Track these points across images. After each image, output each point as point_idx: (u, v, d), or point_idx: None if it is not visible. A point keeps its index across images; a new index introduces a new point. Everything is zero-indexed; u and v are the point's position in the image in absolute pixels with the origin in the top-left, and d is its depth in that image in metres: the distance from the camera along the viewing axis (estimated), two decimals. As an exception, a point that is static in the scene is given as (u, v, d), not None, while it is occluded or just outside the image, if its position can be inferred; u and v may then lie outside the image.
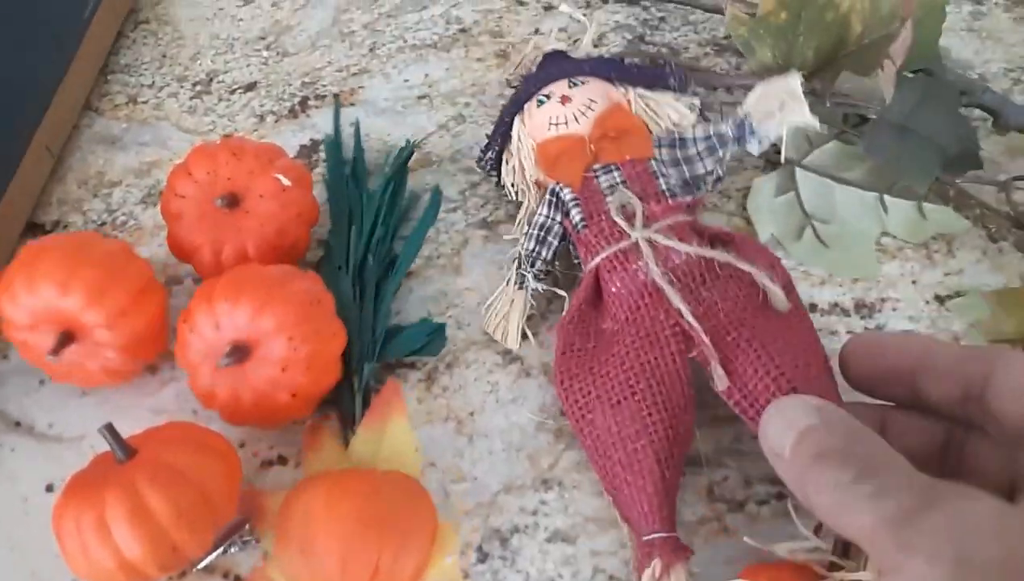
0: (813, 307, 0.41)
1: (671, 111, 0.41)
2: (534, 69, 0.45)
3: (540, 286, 0.39)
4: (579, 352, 0.36)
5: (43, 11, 0.50)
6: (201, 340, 0.35)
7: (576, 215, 0.38)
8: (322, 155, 0.48)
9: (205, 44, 0.53)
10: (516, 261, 0.40)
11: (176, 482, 0.31)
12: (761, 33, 0.46)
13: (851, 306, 0.41)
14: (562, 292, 0.40)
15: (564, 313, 0.38)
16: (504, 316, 0.40)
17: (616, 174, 0.39)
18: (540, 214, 0.40)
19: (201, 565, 0.34)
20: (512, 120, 0.42)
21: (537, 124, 0.41)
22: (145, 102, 0.51)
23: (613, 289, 0.36)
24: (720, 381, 0.33)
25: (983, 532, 0.24)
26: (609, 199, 0.38)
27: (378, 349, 0.40)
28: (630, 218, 0.37)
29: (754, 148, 0.39)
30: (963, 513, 0.24)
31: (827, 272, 0.42)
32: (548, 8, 0.54)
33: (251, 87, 0.51)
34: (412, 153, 0.46)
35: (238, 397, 0.35)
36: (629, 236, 0.36)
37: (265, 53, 0.53)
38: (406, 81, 0.51)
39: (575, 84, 0.41)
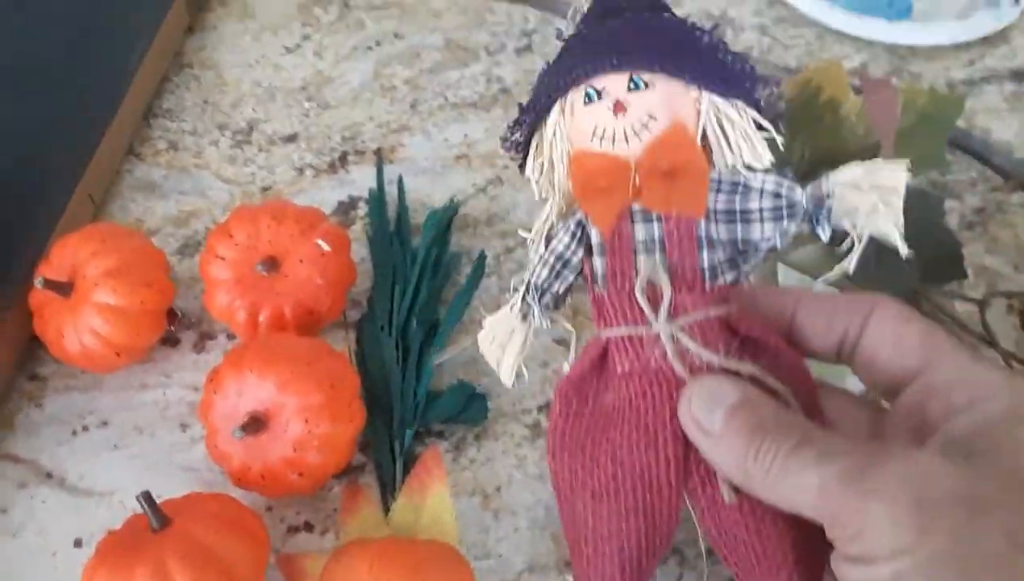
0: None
1: (746, 144, 0.32)
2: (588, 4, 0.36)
3: (546, 323, 0.34)
4: (576, 418, 0.33)
5: (93, 60, 0.50)
6: (224, 403, 0.36)
7: (599, 266, 0.33)
8: (360, 212, 0.48)
9: (247, 92, 0.54)
10: (524, 284, 0.34)
11: (205, 563, 0.31)
12: None
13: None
14: (569, 327, 0.36)
15: (566, 373, 0.34)
16: (502, 346, 0.35)
17: (656, 228, 0.32)
18: (560, 242, 0.33)
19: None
20: (552, 102, 0.33)
21: (579, 128, 0.32)
22: (186, 149, 0.51)
23: (620, 369, 0.32)
24: (728, 495, 0.30)
25: (933, 474, 0.24)
26: (639, 268, 0.32)
27: (419, 413, 0.40)
28: (655, 303, 0.31)
29: (824, 235, 0.32)
30: (910, 461, 0.24)
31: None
32: (588, 71, 0.54)
33: (291, 138, 0.51)
34: (456, 213, 0.47)
35: (248, 467, 0.36)
36: (650, 323, 0.31)
37: (306, 104, 0.53)
38: (445, 140, 0.51)
39: (636, 85, 0.32)
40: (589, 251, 0.33)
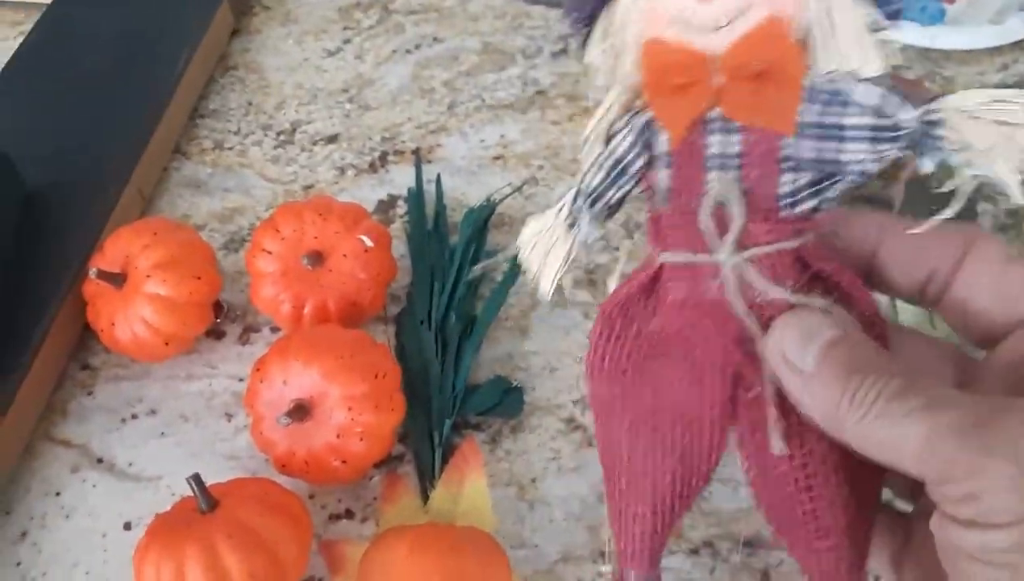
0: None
1: (856, 45, 0.27)
2: None
3: (597, 233, 0.30)
4: (618, 341, 0.30)
5: (143, 63, 0.52)
6: (270, 391, 0.37)
7: (663, 179, 0.28)
8: (399, 210, 0.49)
9: (290, 93, 0.55)
10: (575, 190, 0.30)
11: (252, 544, 0.32)
12: None
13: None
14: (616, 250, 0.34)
15: (610, 294, 0.30)
16: (544, 254, 0.31)
17: (735, 140, 0.28)
18: (621, 144, 0.29)
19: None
20: None
21: (659, 8, 0.27)
22: (231, 149, 0.53)
23: (671, 297, 0.29)
24: (778, 445, 0.27)
25: None
26: (713, 178, 0.28)
27: (457, 405, 0.41)
28: (723, 230, 0.28)
29: (928, 167, 0.27)
30: None
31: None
32: (623, 74, 0.55)
33: (333, 139, 0.53)
34: (493, 212, 0.48)
35: (293, 452, 0.37)
36: (714, 253, 0.28)
37: (347, 106, 0.54)
38: (482, 141, 0.52)
39: None
40: (651, 159, 0.28)
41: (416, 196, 0.49)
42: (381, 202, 0.50)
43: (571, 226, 0.29)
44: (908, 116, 0.25)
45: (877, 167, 0.26)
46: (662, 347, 0.29)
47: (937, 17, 0.57)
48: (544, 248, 0.30)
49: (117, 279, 0.40)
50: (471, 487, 0.38)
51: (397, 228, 0.48)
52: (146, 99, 0.51)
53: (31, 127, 0.49)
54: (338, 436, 0.36)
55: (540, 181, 0.50)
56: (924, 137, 0.26)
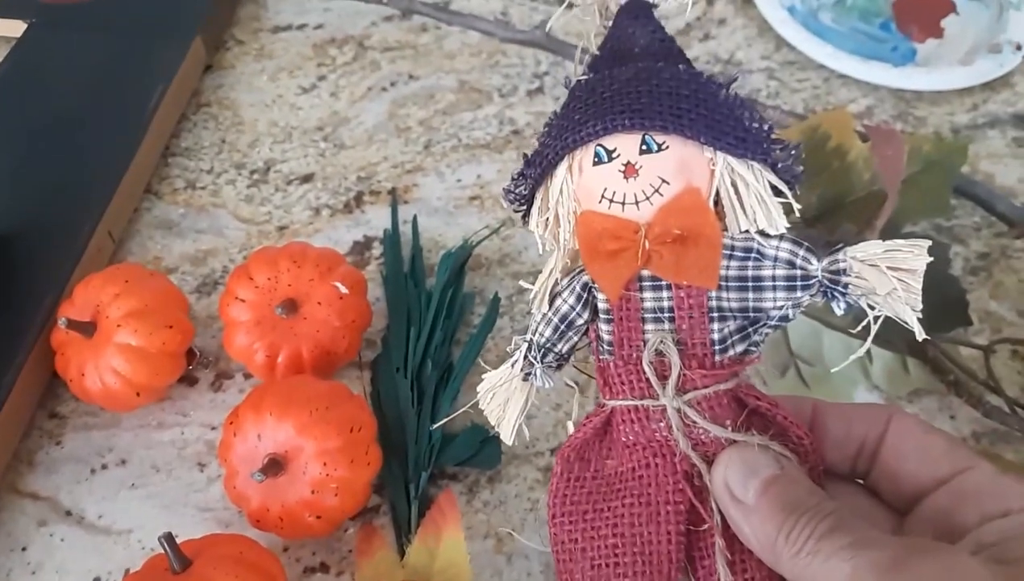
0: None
1: (761, 209, 0.30)
2: (609, 24, 0.34)
3: (549, 382, 0.33)
4: (577, 483, 0.33)
5: (114, 99, 0.52)
6: (243, 446, 0.37)
7: (605, 334, 0.32)
8: (375, 252, 0.49)
9: (264, 131, 0.55)
10: (526, 342, 0.33)
11: (226, 609, 0.31)
12: None
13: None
14: (572, 384, 0.35)
15: (567, 439, 0.33)
16: (502, 405, 0.34)
17: (665, 297, 0.31)
18: (565, 302, 0.32)
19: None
20: (560, 158, 0.32)
21: (588, 187, 0.31)
22: (203, 188, 0.52)
23: (624, 439, 0.32)
24: (724, 574, 0.30)
25: (972, 574, 0.24)
26: (647, 338, 0.31)
27: (434, 456, 0.41)
28: (662, 376, 0.31)
29: (839, 310, 0.31)
30: (948, 559, 0.24)
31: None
32: (599, 113, 0.55)
33: (308, 178, 0.52)
34: (470, 255, 0.48)
35: (267, 508, 0.36)
36: (657, 396, 0.31)
37: (322, 144, 0.54)
38: (459, 181, 0.52)
39: (649, 147, 0.31)
40: (595, 315, 0.32)
41: (392, 239, 0.48)
42: (356, 243, 0.49)
43: (526, 377, 0.33)
44: (815, 266, 0.30)
45: (795, 312, 0.30)
46: (618, 486, 0.32)
47: (909, 56, 0.58)
48: (502, 398, 0.34)
49: (87, 329, 0.39)
50: (448, 541, 0.38)
51: (372, 270, 0.48)
52: (117, 137, 0.50)
53: (-2, 167, 0.49)
54: (312, 492, 0.35)
55: (516, 222, 0.50)
56: (832, 284, 0.30)
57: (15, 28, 0.56)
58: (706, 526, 0.30)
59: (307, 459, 0.36)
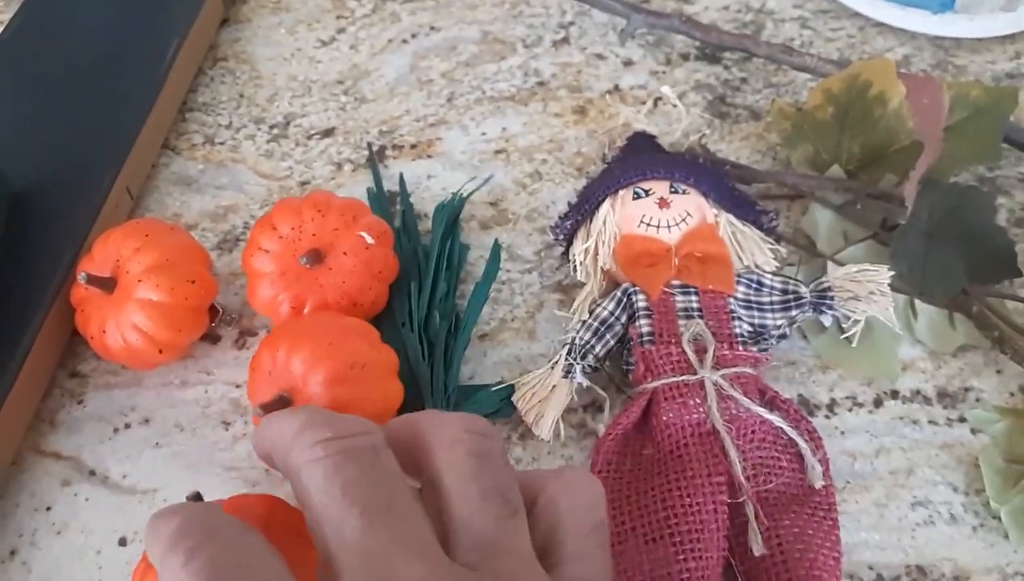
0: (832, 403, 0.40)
1: (757, 250, 0.41)
2: (620, 145, 0.46)
3: (586, 382, 0.39)
4: (616, 474, 0.36)
5: (130, 55, 0.50)
6: (262, 380, 0.36)
7: (645, 326, 0.38)
8: (398, 207, 0.47)
9: (283, 85, 0.54)
10: (567, 347, 0.39)
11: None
12: (805, 128, 0.46)
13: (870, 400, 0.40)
14: (602, 392, 0.39)
15: (606, 429, 0.37)
16: (541, 401, 0.38)
17: (693, 299, 0.39)
18: (605, 309, 0.39)
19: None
20: (603, 200, 0.42)
21: (628, 216, 0.41)
22: (222, 143, 0.51)
23: (664, 418, 0.36)
24: (757, 547, 0.33)
25: None
26: (683, 324, 0.37)
27: (451, 408, 0.39)
28: (700, 353, 0.37)
29: (827, 321, 0.40)
30: None
31: (844, 369, 0.41)
32: (627, 64, 0.53)
33: (328, 133, 0.51)
34: (463, 206, 0.47)
35: None
36: (696, 371, 0.36)
37: (343, 98, 0.53)
38: (483, 134, 0.50)
39: (676, 190, 0.41)
40: (633, 319, 0.39)
41: (376, 197, 0.47)
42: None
43: (566, 375, 0.38)
44: (805, 290, 0.40)
45: (791, 330, 0.40)
46: (658, 468, 0.35)
47: (948, 4, 0.56)
48: (540, 396, 0.38)
49: (107, 284, 0.38)
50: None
51: (397, 225, 0.47)
52: (133, 93, 0.48)
53: (12, 125, 0.47)
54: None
55: (544, 176, 0.48)
56: (820, 300, 0.39)
57: (26, -18, 0.55)
58: (742, 498, 0.33)
59: (317, 395, 0.34)
